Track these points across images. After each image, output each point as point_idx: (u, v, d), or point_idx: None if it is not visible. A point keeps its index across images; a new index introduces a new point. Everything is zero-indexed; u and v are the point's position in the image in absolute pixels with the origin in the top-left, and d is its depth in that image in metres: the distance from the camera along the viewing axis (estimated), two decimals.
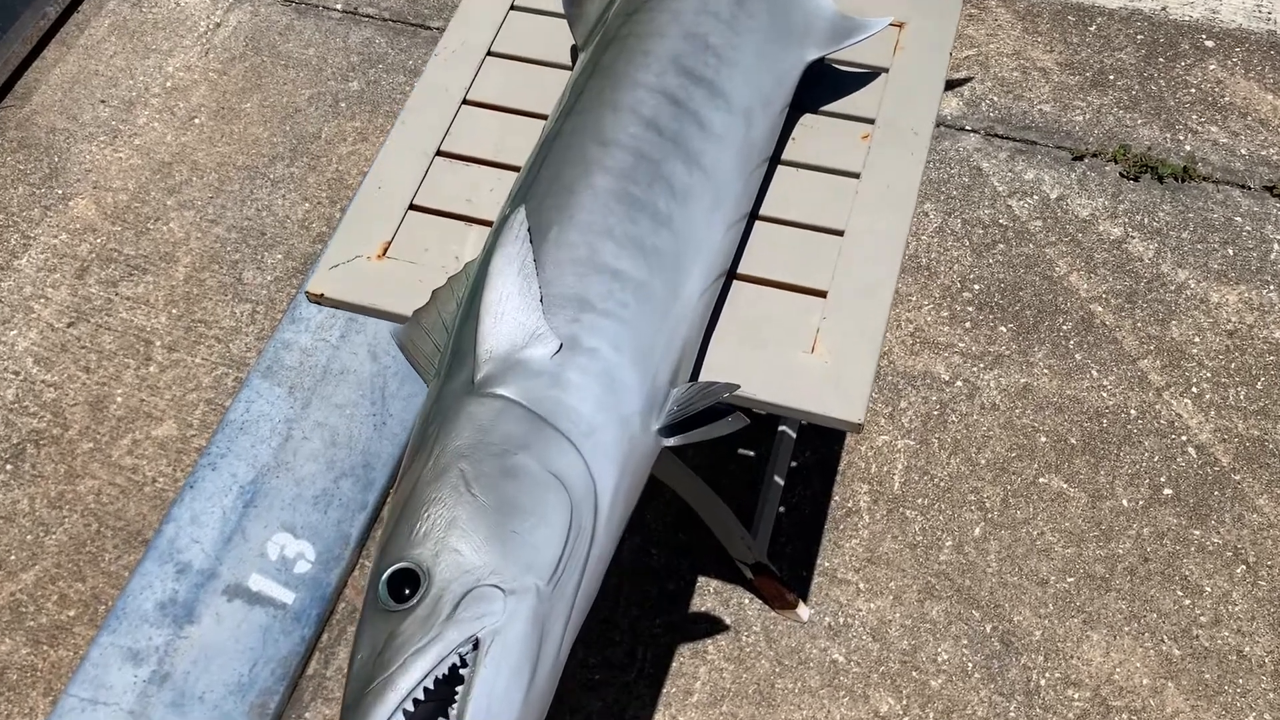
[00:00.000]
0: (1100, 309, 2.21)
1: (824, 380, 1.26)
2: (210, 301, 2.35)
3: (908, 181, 1.42)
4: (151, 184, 2.55)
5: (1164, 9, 2.62)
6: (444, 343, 1.14)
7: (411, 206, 1.45)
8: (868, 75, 1.51)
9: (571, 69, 1.55)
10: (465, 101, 1.55)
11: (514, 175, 1.46)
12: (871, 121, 1.47)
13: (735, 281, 1.35)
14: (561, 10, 1.54)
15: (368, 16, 2.78)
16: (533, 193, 1.19)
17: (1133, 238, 2.29)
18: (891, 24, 1.56)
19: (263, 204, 2.49)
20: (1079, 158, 2.39)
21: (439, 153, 1.50)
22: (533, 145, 1.50)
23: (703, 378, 1.26)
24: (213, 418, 2.19)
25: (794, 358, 1.28)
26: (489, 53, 1.59)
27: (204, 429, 2.17)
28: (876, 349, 1.29)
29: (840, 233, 1.38)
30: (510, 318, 1.04)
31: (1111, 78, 2.51)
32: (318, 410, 2.03)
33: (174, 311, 2.35)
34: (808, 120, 1.48)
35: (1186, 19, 2.60)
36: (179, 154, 2.59)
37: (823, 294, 1.34)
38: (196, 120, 2.64)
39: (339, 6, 2.80)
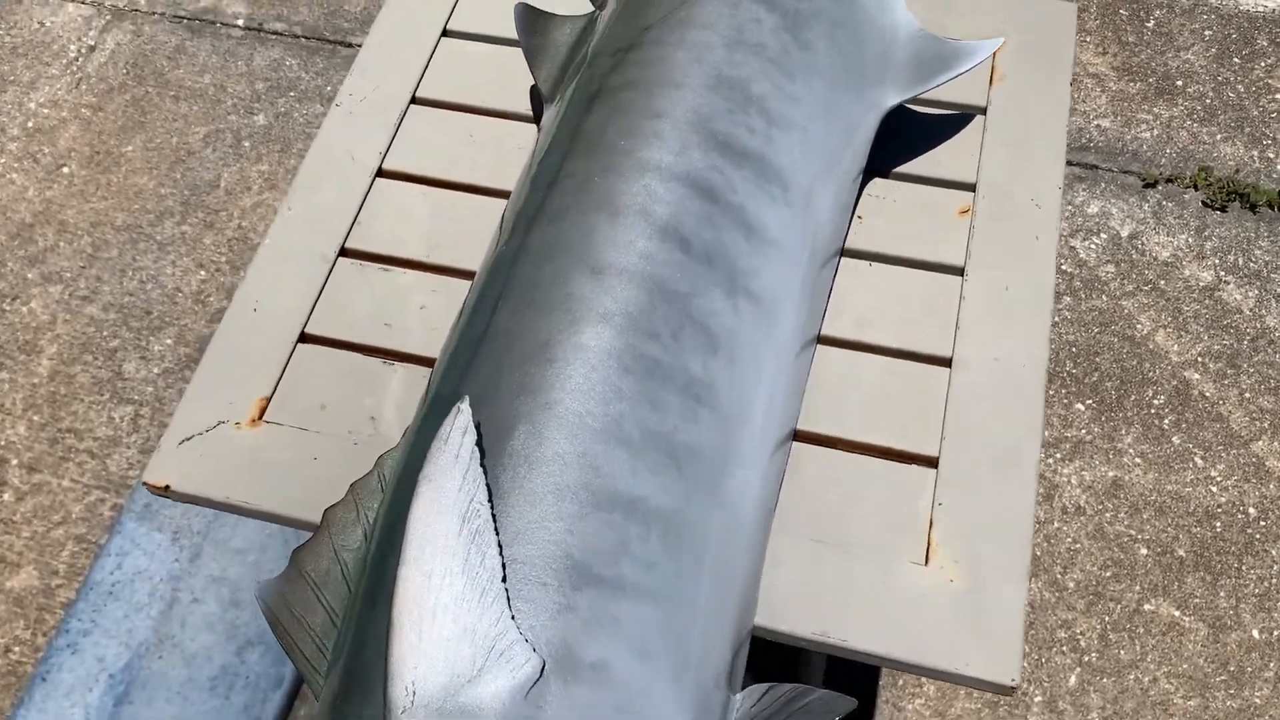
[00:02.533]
0: (1197, 376, 1.78)
1: (951, 613, 0.81)
2: (81, 404, 1.85)
3: (1038, 280, 0.97)
4: (7, 252, 2.04)
5: None
6: (339, 619, 0.68)
7: (303, 337, 0.98)
8: (957, 119, 1.06)
9: (537, 125, 1.09)
10: (380, 172, 1.08)
11: (457, 285, 1.00)
12: (971, 188, 1.02)
13: (796, 442, 0.90)
14: (515, 36, 1.08)
15: (275, 34, 2.29)
16: (483, 359, 0.72)
17: (1227, 283, 1.86)
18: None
19: (148, 274, 1.99)
20: (1151, 184, 1.96)
21: (343, 251, 1.03)
22: (485, 235, 1.04)
23: (761, 603, 0.81)
24: (83, 560, 1.70)
25: (900, 573, 0.83)
26: (413, 99, 1.12)
27: (72, 577, 1.69)
28: (1026, 556, 0.84)
29: (947, 362, 0.93)
30: (447, 623, 0.57)
31: (1180, 84, 2.09)
32: (212, 560, 1.55)
33: (35, 419, 1.85)
34: (878, 189, 1.02)
35: (1261, 9, 2.18)
36: (43, 213, 2.09)
37: (933, 462, 0.88)
38: (65, 169, 2.14)
39: (240, 22, 2.31)
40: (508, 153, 1.07)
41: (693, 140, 0.79)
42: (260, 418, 0.93)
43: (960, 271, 0.98)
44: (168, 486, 0.90)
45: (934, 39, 0.97)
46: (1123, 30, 2.16)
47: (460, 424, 0.63)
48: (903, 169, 1.03)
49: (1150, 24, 2.16)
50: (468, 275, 1.00)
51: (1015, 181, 1.02)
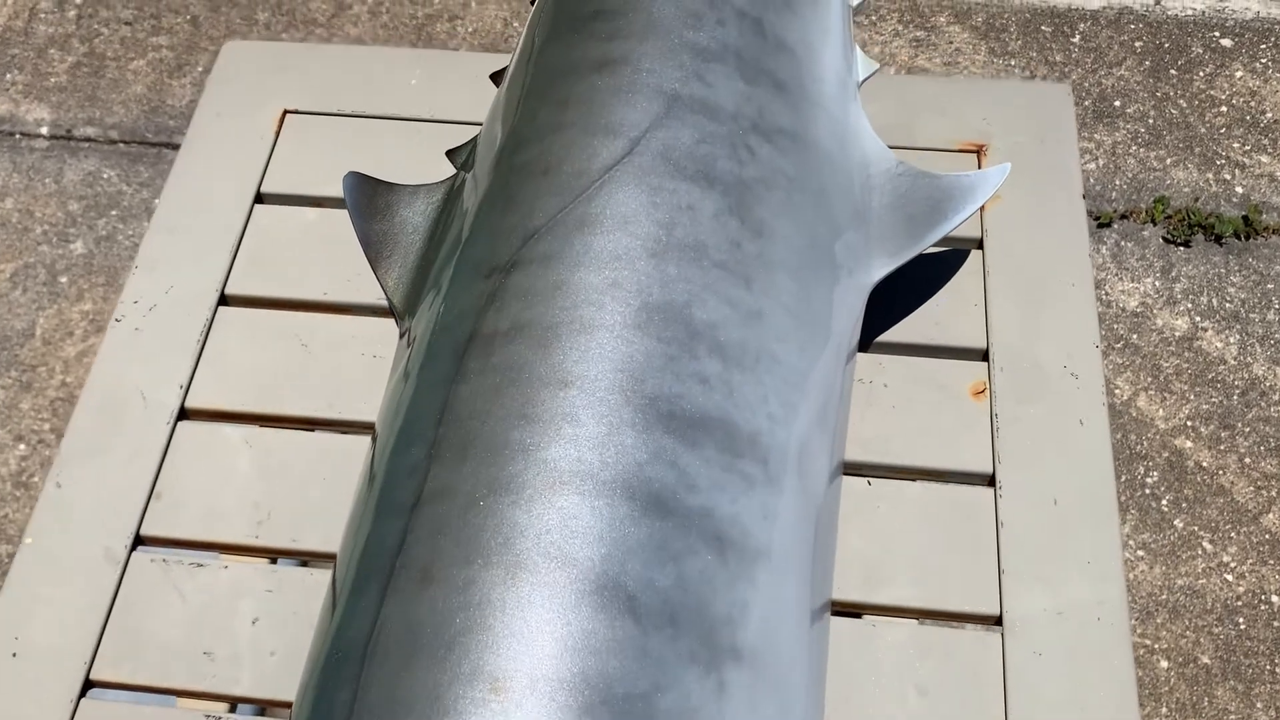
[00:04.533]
0: (1190, 444, 1.57)
1: None
2: None
3: (1095, 486, 0.72)
4: None
5: (1158, 4, 2.01)
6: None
7: (86, 687, 0.69)
8: (946, 258, 0.81)
9: (395, 320, 0.80)
10: (183, 414, 0.78)
11: (303, 580, 0.71)
12: (982, 356, 0.78)
13: None
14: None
15: (88, 140, 1.95)
16: None
17: (1204, 329, 1.67)
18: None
19: None
20: (1105, 223, 1.76)
21: (137, 541, 0.74)
22: (341, 495, 0.76)
23: None
24: None
25: None
26: (221, 299, 0.83)
27: None
28: None
29: (995, 621, 0.68)
30: None
31: (1118, 104, 1.89)
32: None
33: None
34: (861, 368, 0.77)
35: (1189, 13, 2.00)
36: None
37: None
38: None
39: (44, 130, 1.96)
40: (356, 364, 0.79)
41: (622, 417, 0.52)
42: None
43: (989, 481, 0.73)
44: None
45: (919, 176, 0.72)
46: (1048, 49, 1.95)
47: None
48: (887, 336, 0.78)
49: (1076, 39, 1.96)
50: (322, 558, 0.72)
51: (1038, 341, 0.77)
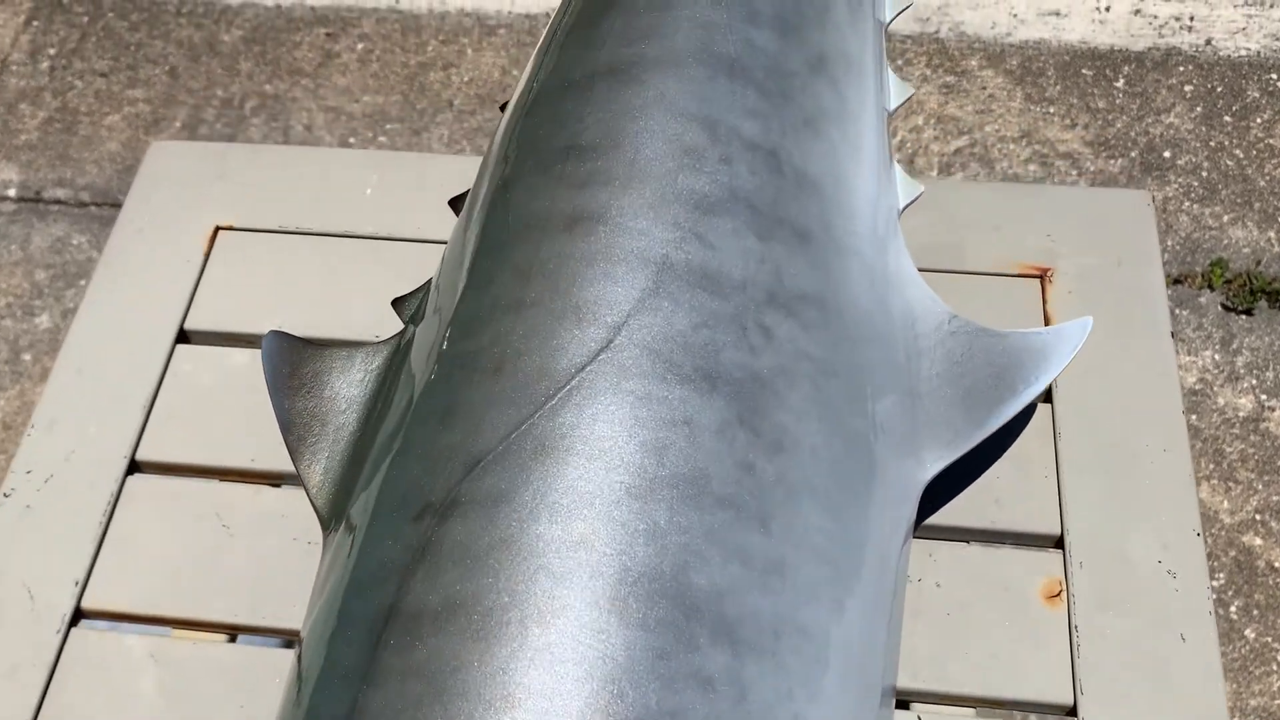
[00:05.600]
0: (1259, 541, 1.42)
1: None
2: None
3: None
4: None
5: (1208, 44, 1.85)
6: None
7: None
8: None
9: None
10: (79, 614, 0.65)
11: None
12: (1055, 544, 0.63)
13: None
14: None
15: (57, 203, 1.82)
16: None
17: (1272, 409, 1.51)
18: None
19: None
20: None
21: None
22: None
23: None
24: None
25: None
26: (131, 465, 0.70)
27: None
28: None
29: None
30: None
31: (1168, 155, 1.73)
32: None
33: None
34: (911, 561, 0.62)
35: (1243, 53, 1.84)
36: None
37: None
38: None
39: (11, 193, 1.84)
40: (287, 553, 0.65)
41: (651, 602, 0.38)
42: None
43: (1070, 712, 0.58)
44: None
45: (978, 334, 0.57)
46: (1090, 94, 1.80)
47: None
48: (938, 518, 0.64)
49: (1120, 83, 1.81)
50: None
51: (1125, 527, 0.62)
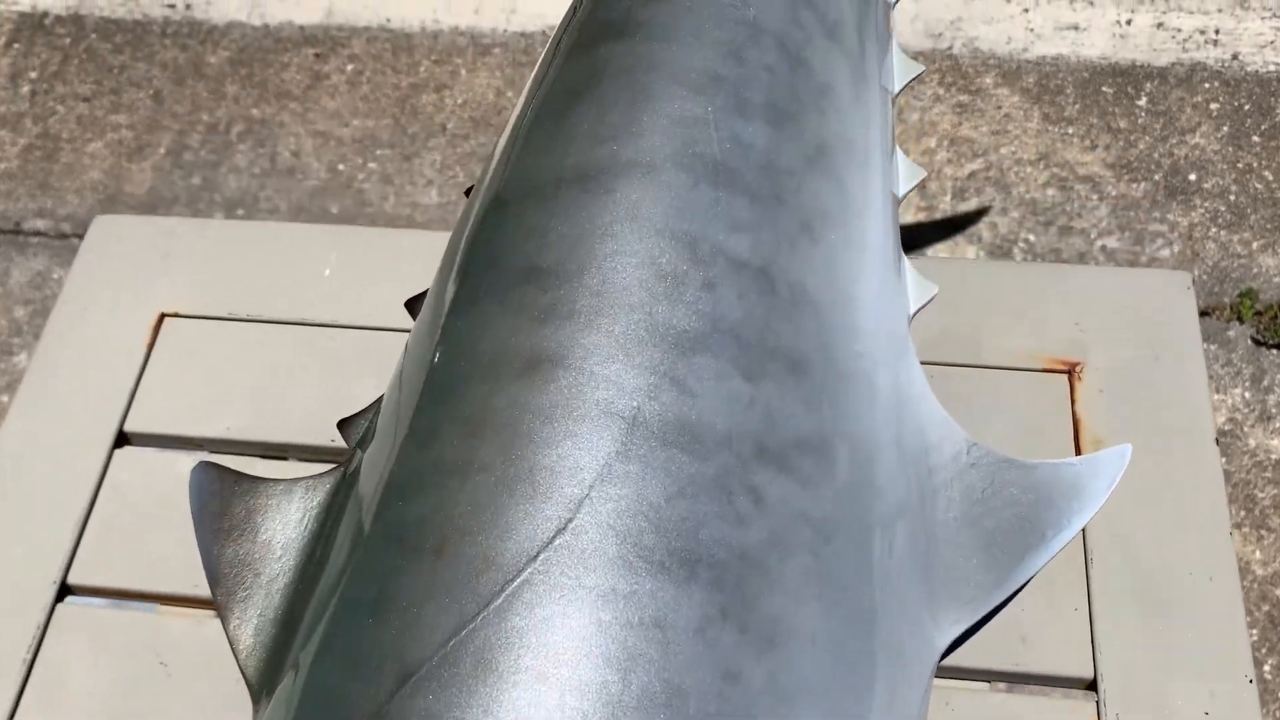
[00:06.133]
0: None
1: None
2: None
3: None
4: None
5: (1235, 57, 1.77)
6: None
7: None
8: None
9: None
10: None
11: None
12: (1089, 687, 0.56)
13: None
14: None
15: (38, 235, 1.76)
16: None
17: None
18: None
19: None
20: None
21: None
22: None
23: None
24: None
25: None
26: (62, 589, 0.63)
27: None
28: None
29: None
30: None
31: (1193, 178, 1.65)
32: None
33: None
34: (932, 710, 0.55)
35: (1272, 68, 1.76)
36: None
37: None
38: None
39: None
40: (232, 696, 0.58)
41: None
42: None
43: None
44: None
45: (1001, 466, 0.50)
46: (1110, 114, 1.72)
47: None
48: (955, 659, 0.57)
49: (1142, 101, 1.73)
50: None
51: (1167, 674, 0.55)
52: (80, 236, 1.75)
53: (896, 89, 0.61)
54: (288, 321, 0.70)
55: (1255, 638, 1.31)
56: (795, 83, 0.52)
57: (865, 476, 0.46)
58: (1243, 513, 1.39)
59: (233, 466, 0.66)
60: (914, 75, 0.62)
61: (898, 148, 0.59)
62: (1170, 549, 0.58)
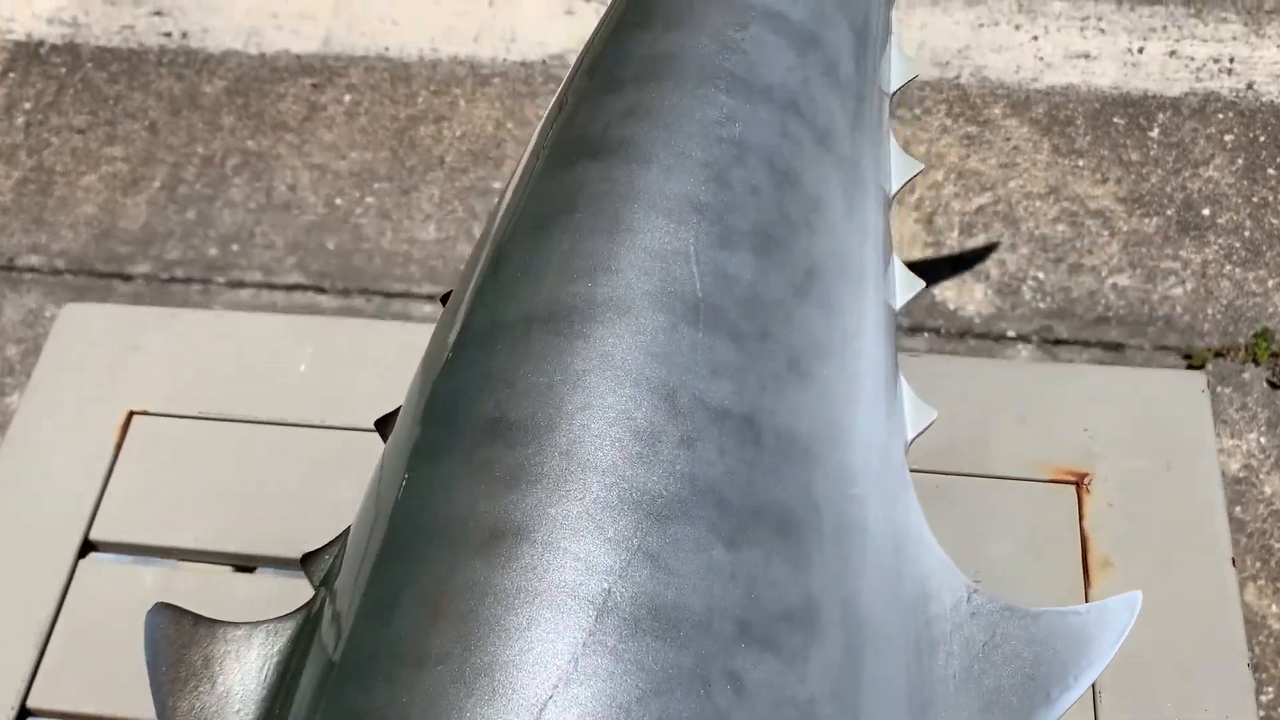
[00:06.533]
0: None
1: None
2: None
3: None
4: None
5: (1250, 87, 1.73)
6: None
7: None
8: None
9: None
10: None
11: None
12: None
13: None
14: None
15: (32, 270, 1.74)
16: None
17: None
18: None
19: None
20: (1197, 364, 1.49)
21: None
22: None
23: None
24: None
25: None
26: (21, 713, 0.61)
27: None
28: None
29: None
30: None
31: (1207, 212, 1.62)
32: None
33: None
34: None
35: None
36: None
37: None
38: None
39: None
40: None
41: None
42: None
43: None
44: None
45: (1004, 616, 0.47)
46: (1121, 146, 1.68)
47: None
48: None
49: (1154, 132, 1.69)
50: None
51: None
52: (74, 273, 1.72)
53: (894, 190, 0.58)
54: (260, 421, 0.67)
55: (1271, 695, 1.27)
56: (784, 202, 0.49)
57: (857, 642, 0.43)
58: (1258, 564, 1.36)
59: (202, 576, 0.63)
60: (914, 174, 0.59)
61: (895, 256, 0.56)
62: (1184, 684, 0.55)
